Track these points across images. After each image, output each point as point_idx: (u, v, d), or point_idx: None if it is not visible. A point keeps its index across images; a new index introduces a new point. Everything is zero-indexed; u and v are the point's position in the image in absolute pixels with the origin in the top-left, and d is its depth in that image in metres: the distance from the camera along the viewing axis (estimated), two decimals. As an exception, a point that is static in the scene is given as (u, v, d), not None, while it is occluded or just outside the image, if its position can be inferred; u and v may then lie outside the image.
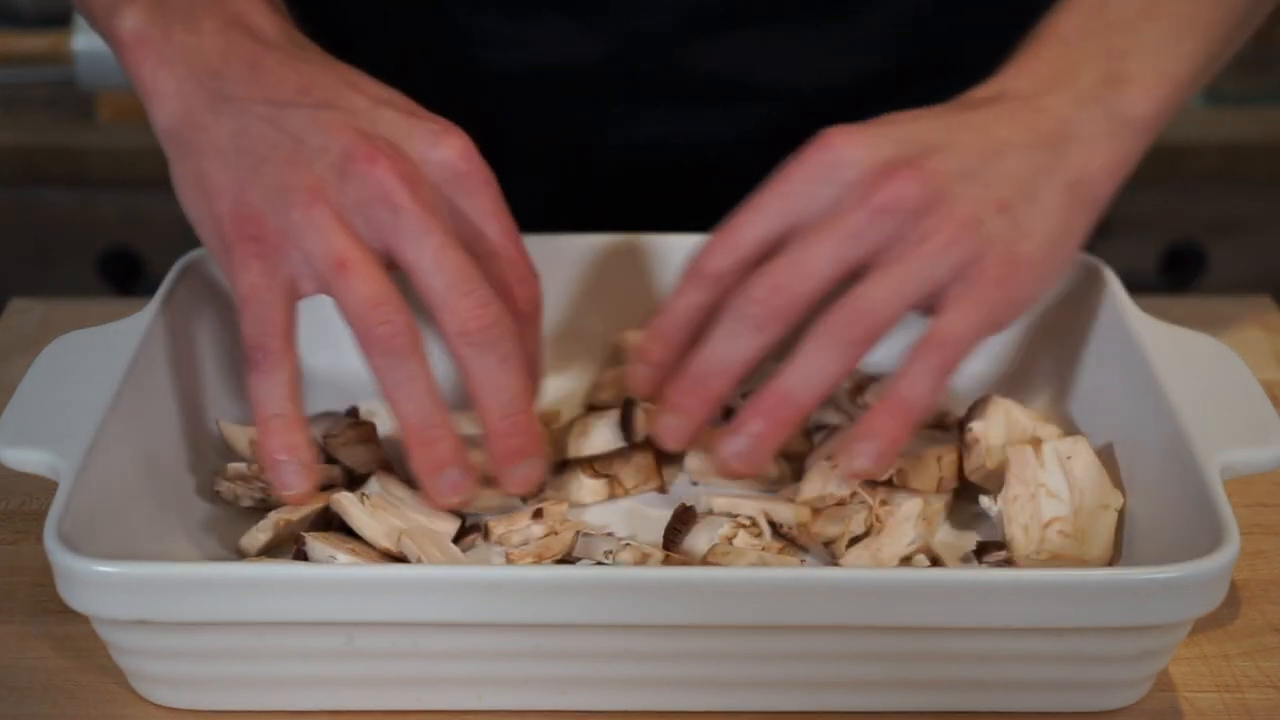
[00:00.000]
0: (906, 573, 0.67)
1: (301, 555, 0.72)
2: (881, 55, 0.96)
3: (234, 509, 0.77)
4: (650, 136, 0.98)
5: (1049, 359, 0.86)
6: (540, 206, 1.00)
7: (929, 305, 0.72)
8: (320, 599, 0.64)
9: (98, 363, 0.76)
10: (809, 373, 0.71)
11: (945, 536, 0.77)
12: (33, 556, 0.75)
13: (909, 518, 0.74)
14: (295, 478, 0.72)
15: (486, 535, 0.74)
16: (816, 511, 0.75)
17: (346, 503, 0.74)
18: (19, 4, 1.86)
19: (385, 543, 0.73)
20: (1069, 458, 0.72)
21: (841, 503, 0.76)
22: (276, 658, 0.67)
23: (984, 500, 0.73)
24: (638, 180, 0.98)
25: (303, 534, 0.73)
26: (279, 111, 0.73)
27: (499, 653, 0.67)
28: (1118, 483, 0.75)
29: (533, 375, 0.76)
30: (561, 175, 1.01)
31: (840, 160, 0.72)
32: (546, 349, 0.81)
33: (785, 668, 0.67)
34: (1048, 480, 0.71)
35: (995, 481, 0.76)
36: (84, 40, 1.71)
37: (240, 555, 0.75)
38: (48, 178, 1.74)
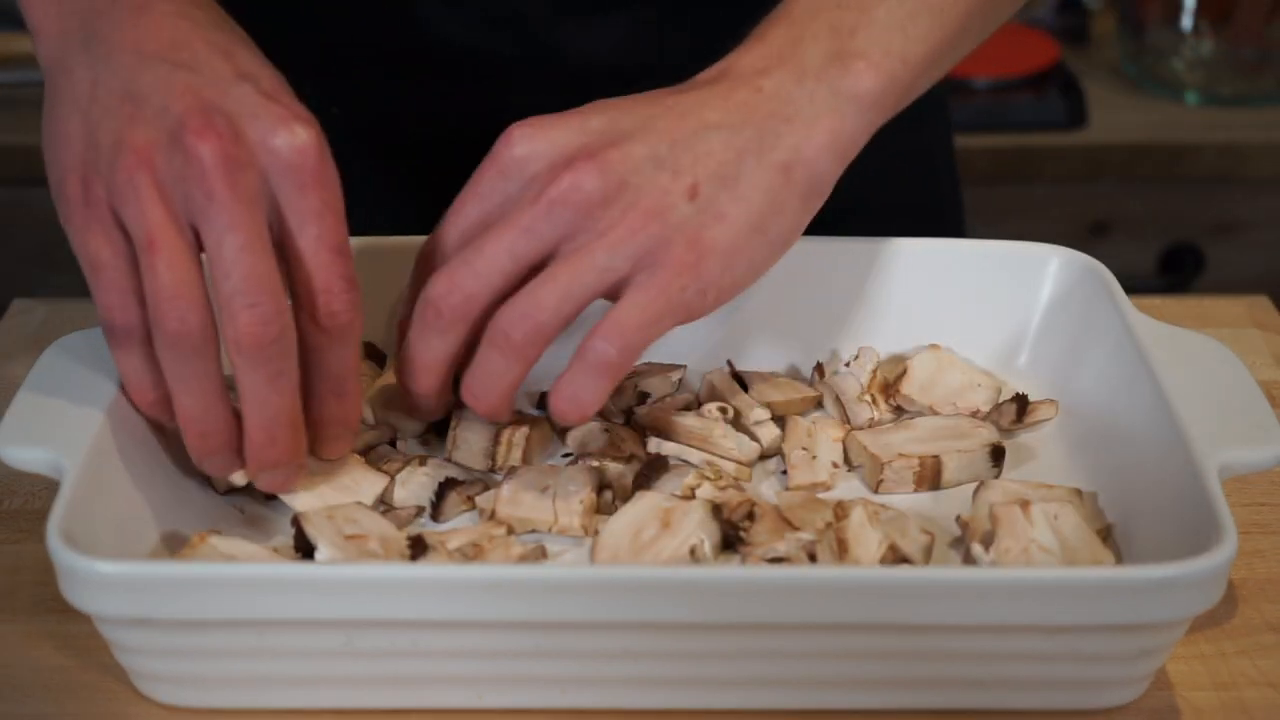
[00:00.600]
0: (906, 572, 0.67)
1: (301, 537, 0.72)
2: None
3: (233, 515, 0.78)
4: (522, 118, 0.99)
5: (1047, 359, 0.86)
6: (410, 194, 1.01)
7: (615, 296, 0.72)
8: (320, 598, 0.64)
9: (100, 363, 0.76)
10: (485, 379, 0.73)
11: (926, 509, 0.78)
12: (35, 556, 0.75)
13: (863, 523, 0.74)
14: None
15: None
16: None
17: None
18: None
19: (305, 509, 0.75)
20: (1055, 517, 0.72)
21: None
22: (277, 656, 0.67)
23: (975, 549, 0.73)
24: None
25: (297, 514, 0.73)
26: (140, 63, 0.71)
27: (499, 652, 0.67)
28: (1105, 535, 0.75)
29: (339, 395, 0.74)
30: (428, 160, 1.01)
31: (524, 155, 0.72)
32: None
33: (785, 667, 0.67)
34: (1039, 537, 0.71)
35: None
36: (85, 41, 1.71)
37: (212, 486, 0.77)
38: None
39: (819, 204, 0.75)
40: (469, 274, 0.72)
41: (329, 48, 0.98)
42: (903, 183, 1.07)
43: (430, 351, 0.74)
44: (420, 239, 0.86)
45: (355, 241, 0.76)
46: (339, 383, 0.74)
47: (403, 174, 1.02)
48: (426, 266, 0.75)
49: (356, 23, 0.98)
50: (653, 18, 0.97)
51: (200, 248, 0.70)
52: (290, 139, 0.70)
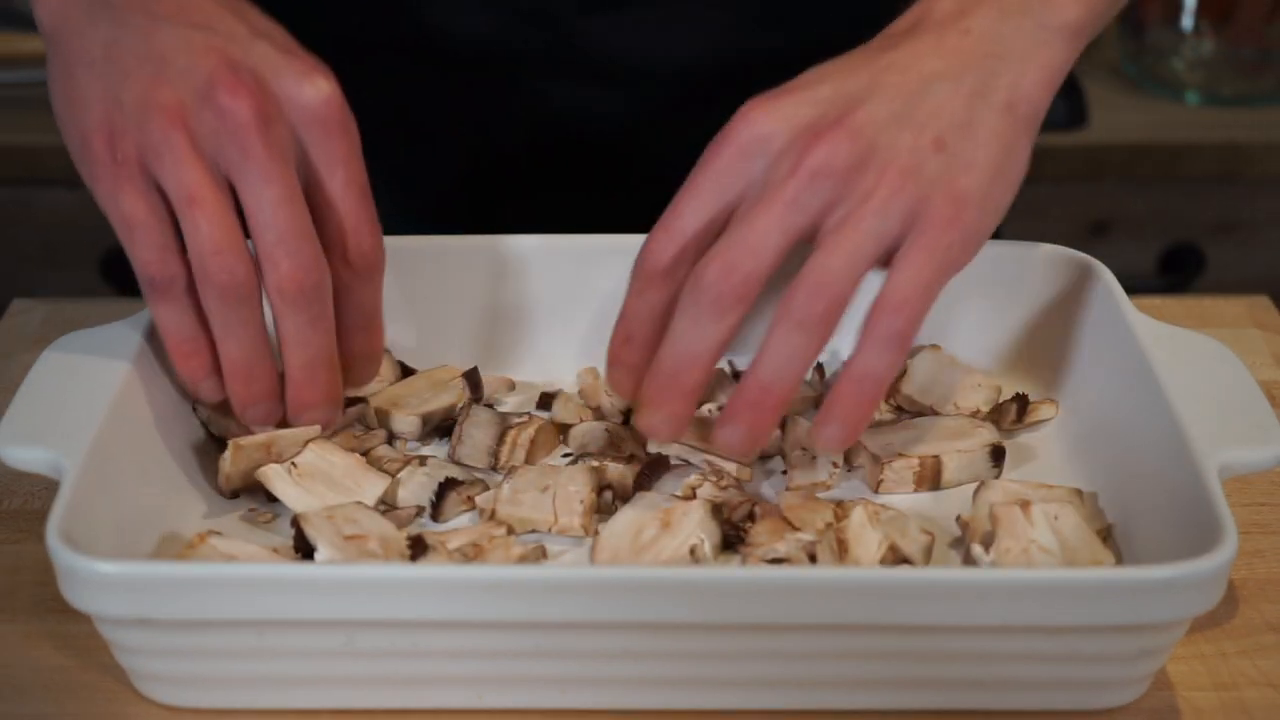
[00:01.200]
0: (906, 572, 0.67)
1: (300, 537, 0.72)
2: (777, 33, 0.96)
3: (233, 515, 0.78)
4: (548, 112, 0.98)
5: (1048, 359, 0.86)
6: (436, 189, 1.01)
7: (884, 261, 0.71)
8: (320, 598, 0.64)
9: (99, 363, 0.76)
10: (783, 360, 0.71)
11: (926, 509, 0.78)
12: (35, 556, 0.75)
13: (863, 524, 0.73)
14: (215, 393, 0.76)
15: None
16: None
17: (272, 475, 0.77)
18: (21, 5, 1.87)
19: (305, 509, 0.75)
20: (1055, 518, 0.72)
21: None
22: (277, 656, 0.67)
23: (975, 550, 0.73)
24: (541, 156, 0.98)
25: (297, 515, 0.73)
26: (154, 25, 0.73)
27: (499, 652, 0.67)
28: (1105, 535, 0.75)
29: (367, 329, 0.78)
30: (460, 153, 1.01)
31: (764, 133, 0.72)
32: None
33: (785, 667, 0.67)
34: (1039, 537, 0.71)
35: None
36: (85, 41, 1.71)
37: (217, 489, 0.78)
38: (50, 178, 1.74)
39: (1033, 140, 0.75)
40: (745, 253, 0.70)
41: (355, 41, 0.98)
42: None
43: (704, 340, 0.71)
44: (442, 239, 0.87)
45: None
46: (368, 318, 0.77)
47: (428, 169, 1.02)
48: (660, 257, 0.73)
49: (383, 17, 0.99)
50: (678, 14, 0.97)
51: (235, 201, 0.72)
52: (315, 91, 0.72)
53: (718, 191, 0.72)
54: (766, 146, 0.72)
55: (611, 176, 0.93)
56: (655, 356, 0.73)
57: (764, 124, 0.72)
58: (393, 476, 0.78)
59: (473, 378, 0.84)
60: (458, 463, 0.81)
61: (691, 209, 0.73)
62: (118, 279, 1.76)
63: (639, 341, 0.75)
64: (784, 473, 0.80)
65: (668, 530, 0.73)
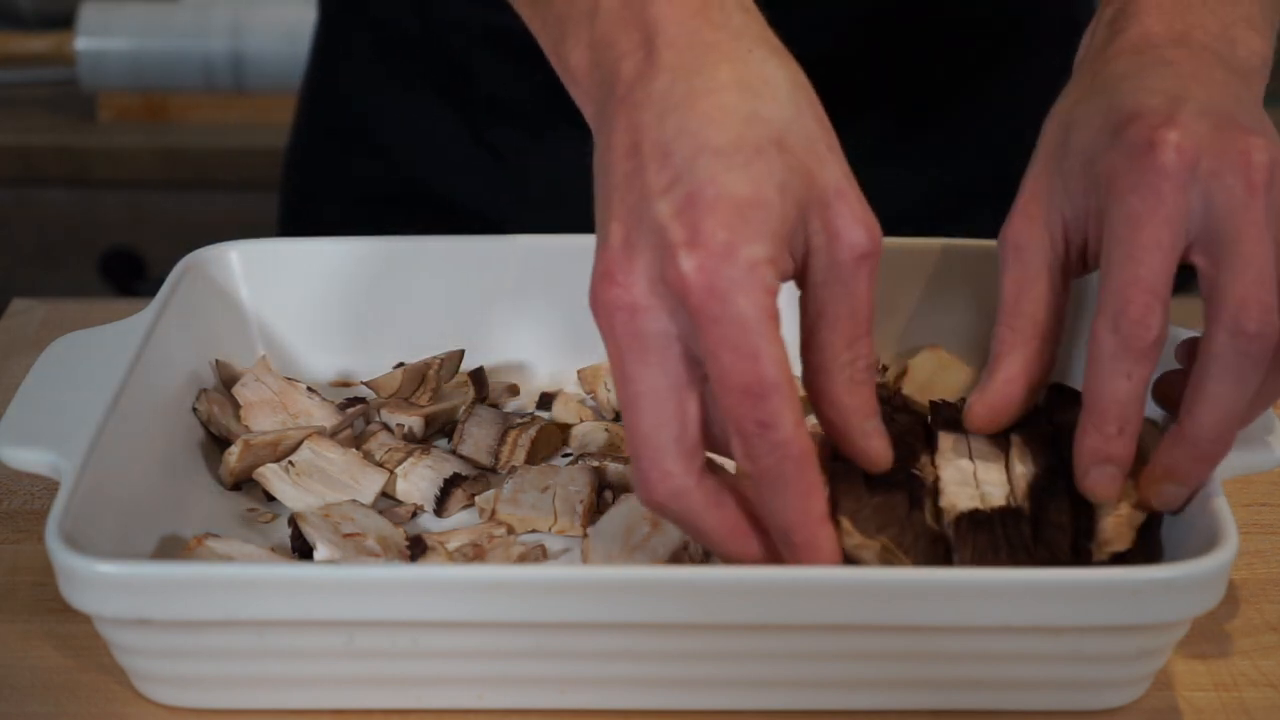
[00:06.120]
0: (907, 572, 0.67)
1: (298, 537, 0.72)
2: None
3: (234, 515, 0.78)
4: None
5: (1048, 359, 0.86)
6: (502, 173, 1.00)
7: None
8: (320, 598, 0.64)
9: (99, 363, 0.76)
10: (1228, 403, 0.66)
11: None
12: (34, 556, 0.76)
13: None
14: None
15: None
16: None
17: (269, 474, 0.77)
18: (21, 5, 1.87)
19: (302, 508, 0.75)
20: None
21: None
22: (277, 657, 0.67)
23: None
24: None
25: (294, 514, 0.73)
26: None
27: (499, 652, 0.67)
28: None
29: None
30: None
31: (1182, 163, 0.67)
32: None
33: (785, 667, 0.67)
34: None
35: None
36: (86, 41, 1.71)
37: (220, 483, 0.78)
38: (49, 178, 1.74)
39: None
40: (1265, 288, 0.66)
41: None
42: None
43: (1247, 394, 0.66)
44: (443, 239, 0.87)
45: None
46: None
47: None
48: (1152, 326, 0.68)
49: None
50: None
51: None
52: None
53: (1177, 236, 0.68)
54: (1195, 172, 0.67)
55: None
56: (1182, 428, 0.67)
57: (1188, 151, 0.67)
58: (391, 471, 0.78)
59: (478, 377, 0.84)
60: (460, 456, 0.81)
61: (1160, 261, 0.68)
62: (117, 279, 1.76)
63: (1133, 430, 0.67)
64: None
65: (658, 530, 0.73)
